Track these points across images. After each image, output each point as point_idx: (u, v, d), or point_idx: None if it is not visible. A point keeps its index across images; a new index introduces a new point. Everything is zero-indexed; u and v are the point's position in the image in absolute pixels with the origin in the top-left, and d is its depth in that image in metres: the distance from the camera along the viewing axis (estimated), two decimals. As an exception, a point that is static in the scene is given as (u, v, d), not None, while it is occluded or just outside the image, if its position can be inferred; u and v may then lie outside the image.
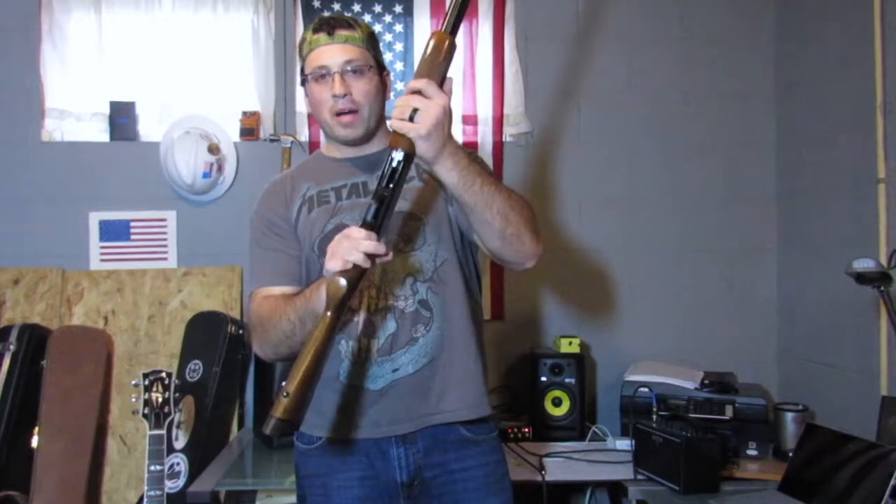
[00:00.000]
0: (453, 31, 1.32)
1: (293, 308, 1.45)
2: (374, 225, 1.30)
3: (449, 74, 1.34)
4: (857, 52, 2.49)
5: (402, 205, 1.50)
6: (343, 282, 1.28)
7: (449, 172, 1.34)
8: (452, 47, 1.32)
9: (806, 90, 2.86)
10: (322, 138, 2.83)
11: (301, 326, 1.44)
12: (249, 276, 1.65)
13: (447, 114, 1.30)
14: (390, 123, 1.30)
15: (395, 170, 1.29)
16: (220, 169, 2.85)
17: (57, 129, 2.92)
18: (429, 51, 1.31)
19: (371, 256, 1.29)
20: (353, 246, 1.28)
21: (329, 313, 1.29)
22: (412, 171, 1.52)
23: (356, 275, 1.29)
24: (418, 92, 1.29)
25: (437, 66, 1.30)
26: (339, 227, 1.53)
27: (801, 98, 2.89)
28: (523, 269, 1.54)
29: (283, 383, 1.27)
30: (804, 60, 2.87)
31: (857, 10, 2.50)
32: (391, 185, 1.29)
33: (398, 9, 2.94)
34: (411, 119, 1.28)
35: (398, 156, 1.29)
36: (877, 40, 2.40)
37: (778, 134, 3.03)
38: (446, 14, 1.33)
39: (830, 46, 2.69)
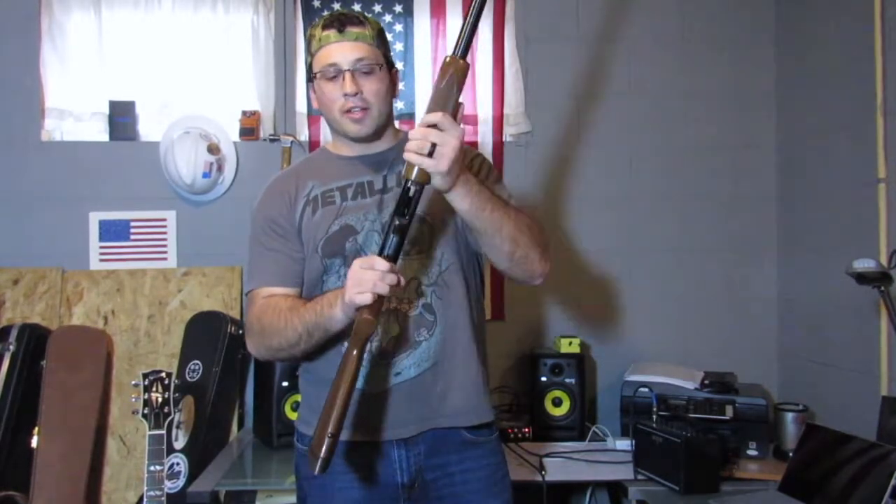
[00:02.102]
0: (464, 54, 1.33)
1: (301, 320, 1.46)
2: (394, 257, 1.35)
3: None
4: (857, 52, 2.49)
5: None
6: (372, 318, 1.34)
7: (462, 200, 1.37)
8: (466, 71, 1.33)
9: (806, 90, 2.86)
10: (322, 137, 2.85)
11: (308, 338, 1.47)
12: (248, 273, 1.65)
13: (463, 145, 1.32)
14: (407, 156, 1.31)
15: (410, 199, 1.33)
16: (219, 169, 2.84)
17: (57, 128, 2.91)
18: (444, 82, 1.32)
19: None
20: (378, 278, 1.32)
21: (355, 351, 1.34)
22: None
23: (378, 307, 1.35)
24: (434, 125, 1.29)
25: (451, 97, 1.32)
26: (345, 228, 1.55)
27: (801, 98, 2.89)
28: (530, 285, 1.57)
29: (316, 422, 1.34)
30: (804, 60, 2.87)
31: (857, 10, 2.50)
32: (407, 215, 1.33)
33: (398, 9, 2.94)
34: (430, 154, 1.29)
35: (415, 185, 1.32)
36: (877, 40, 2.40)
37: (778, 134, 3.03)
38: (459, 36, 1.33)
39: (830, 46, 2.69)
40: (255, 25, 2.94)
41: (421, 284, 1.54)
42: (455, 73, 1.32)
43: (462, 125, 1.33)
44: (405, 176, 1.32)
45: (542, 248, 1.51)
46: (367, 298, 1.32)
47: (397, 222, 1.34)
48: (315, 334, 1.46)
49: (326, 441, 1.29)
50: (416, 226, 1.54)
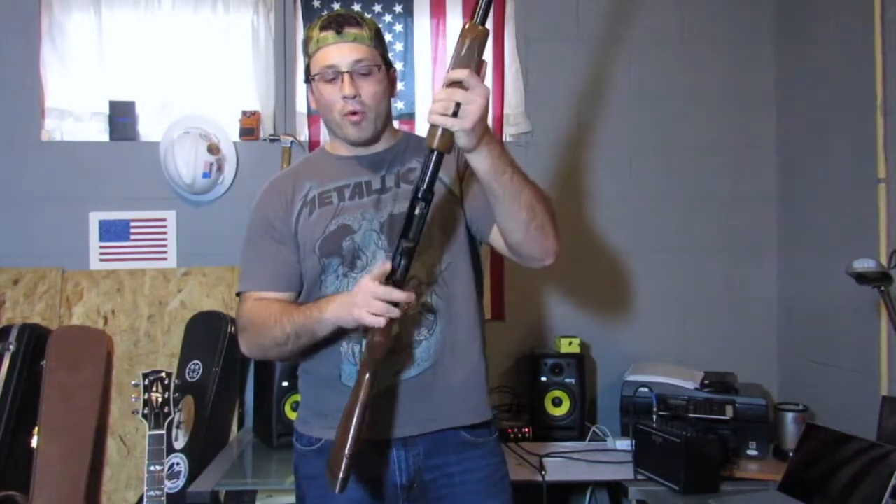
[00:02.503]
0: (483, 21, 1.31)
1: (290, 321, 1.48)
2: (402, 280, 1.36)
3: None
4: (857, 53, 2.49)
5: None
6: (384, 341, 1.38)
7: (484, 160, 1.35)
8: (486, 36, 1.30)
9: (806, 90, 2.86)
10: (322, 136, 2.85)
11: (295, 340, 1.49)
12: (242, 273, 1.64)
13: (488, 104, 1.30)
14: (431, 119, 1.29)
15: (417, 219, 1.33)
16: (219, 169, 2.84)
17: (57, 128, 2.91)
18: (464, 48, 1.28)
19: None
20: (389, 299, 1.35)
21: (368, 374, 1.38)
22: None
23: (389, 329, 1.38)
24: (458, 83, 1.27)
25: (473, 59, 1.29)
26: (342, 228, 1.55)
27: (801, 98, 2.88)
28: (542, 267, 1.55)
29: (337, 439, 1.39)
30: (804, 60, 2.87)
31: (857, 10, 2.50)
32: (414, 237, 1.34)
33: (398, 9, 2.94)
34: (455, 114, 1.27)
35: (420, 206, 1.33)
36: (877, 40, 2.40)
37: (778, 134, 3.02)
38: (477, 4, 1.31)
39: (830, 46, 2.69)
40: (255, 25, 2.94)
41: (421, 284, 1.54)
42: (476, 37, 1.29)
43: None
44: (427, 145, 1.30)
45: (555, 224, 1.51)
46: (380, 322, 1.35)
47: (405, 245, 1.34)
48: (302, 337, 1.49)
49: (345, 461, 1.33)
50: None
